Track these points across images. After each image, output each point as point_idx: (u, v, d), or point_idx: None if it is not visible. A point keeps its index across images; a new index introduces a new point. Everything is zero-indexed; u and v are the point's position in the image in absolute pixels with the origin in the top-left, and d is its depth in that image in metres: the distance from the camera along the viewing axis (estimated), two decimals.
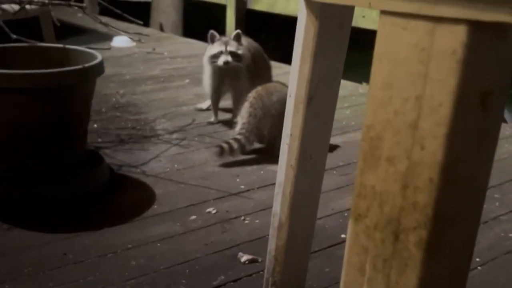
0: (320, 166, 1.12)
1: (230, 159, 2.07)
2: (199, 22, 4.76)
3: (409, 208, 0.50)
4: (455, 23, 0.50)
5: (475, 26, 0.50)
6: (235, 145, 2.05)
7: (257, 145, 2.18)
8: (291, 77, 1.05)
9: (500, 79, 0.53)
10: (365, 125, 0.51)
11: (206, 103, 2.66)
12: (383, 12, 0.56)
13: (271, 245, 1.15)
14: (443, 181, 0.49)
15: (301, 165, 1.07)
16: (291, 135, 1.06)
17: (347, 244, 0.55)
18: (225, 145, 2.04)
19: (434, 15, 0.52)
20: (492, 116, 0.53)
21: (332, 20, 0.99)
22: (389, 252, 0.51)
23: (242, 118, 2.13)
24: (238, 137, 2.08)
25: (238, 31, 2.41)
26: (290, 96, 1.06)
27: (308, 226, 1.16)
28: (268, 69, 2.61)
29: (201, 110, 2.66)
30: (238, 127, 2.13)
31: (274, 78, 2.66)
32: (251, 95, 2.17)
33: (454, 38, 0.51)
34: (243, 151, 2.10)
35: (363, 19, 3.12)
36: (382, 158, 0.51)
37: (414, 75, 0.52)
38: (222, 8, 4.18)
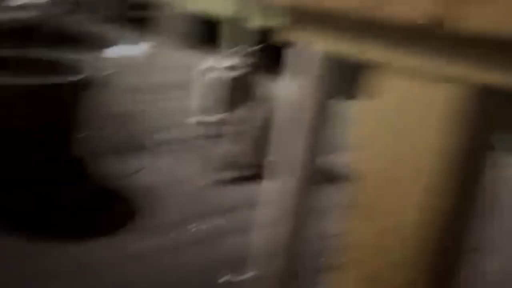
0: (309, 191, 1.10)
1: (220, 175, 2.05)
2: (200, 33, 4.76)
3: (384, 264, 0.48)
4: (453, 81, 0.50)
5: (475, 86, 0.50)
6: (231, 162, 2.04)
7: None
8: (279, 101, 1.04)
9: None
10: (352, 170, 0.50)
11: (197, 117, 2.64)
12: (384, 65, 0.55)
13: (256, 268, 1.13)
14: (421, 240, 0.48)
15: (289, 190, 1.05)
16: (277, 159, 1.05)
17: None
18: (219, 162, 2.02)
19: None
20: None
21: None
22: None
23: (243, 134, 2.12)
24: (232, 154, 2.07)
25: (239, 47, 2.41)
26: (277, 120, 1.04)
27: (294, 249, 1.14)
28: (267, 85, 2.61)
29: (192, 124, 2.64)
30: (231, 144, 2.11)
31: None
32: (240, 112, 2.16)
33: (450, 96, 0.50)
34: (236, 168, 2.08)
35: None
36: (361, 206, 0.49)
37: (411, 129, 0.50)
38: (226, 18, 4.19)
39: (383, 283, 0.50)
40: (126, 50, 3.78)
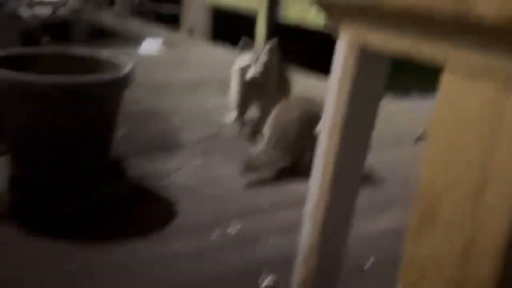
0: (354, 192, 1.06)
1: (254, 175, 2.02)
2: (229, 28, 4.74)
3: (469, 282, 0.44)
4: None
5: None
6: (259, 161, 2.00)
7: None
8: (328, 97, 1.00)
9: None
10: (422, 182, 0.46)
11: (233, 116, 2.61)
12: (448, 66, 0.51)
13: (297, 273, 1.09)
14: (508, 254, 0.44)
15: (333, 191, 1.02)
16: (324, 160, 1.01)
17: None
18: (250, 161, 1.99)
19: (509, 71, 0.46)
20: None
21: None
22: None
23: (265, 133, 2.08)
24: (262, 153, 2.03)
25: (271, 42, 2.36)
26: (325, 117, 1.01)
27: (338, 255, 1.10)
28: (290, 83, 2.57)
29: (228, 123, 2.61)
30: (262, 143, 2.08)
31: (300, 90, 2.64)
32: (275, 109, 2.13)
33: None
34: (268, 167, 2.04)
35: None
36: (439, 221, 0.45)
37: (482, 137, 0.46)
38: (253, 13, 4.15)
39: None
40: (155, 46, 3.77)
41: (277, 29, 3.85)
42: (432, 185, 0.47)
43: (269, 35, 3.76)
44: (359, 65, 0.91)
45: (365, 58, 0.92)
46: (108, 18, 4.42)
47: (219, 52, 4.02)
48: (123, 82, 1.66)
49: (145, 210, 1.75)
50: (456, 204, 0.47)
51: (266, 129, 2.09)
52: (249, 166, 1.99)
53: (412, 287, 0.46)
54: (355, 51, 0.90)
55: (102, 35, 4.04)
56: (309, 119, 2.06)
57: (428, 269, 0.45)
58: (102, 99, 1.66)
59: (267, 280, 1.41)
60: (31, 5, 2.02)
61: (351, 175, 1.05)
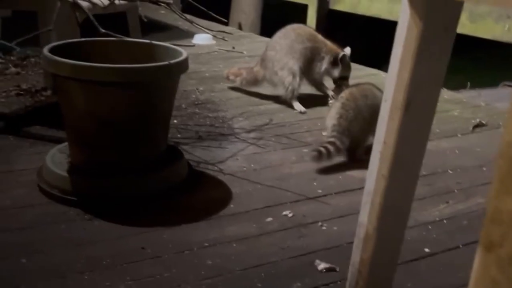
0: (414, 176, 1.05)
1: (311, 162, 2.01)
2: (277, 21, 4.74)
3: None
4: None
5: None
6: (331, 148, 2.00)
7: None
8: (388, 81, 0.99)
9: None
10: (504, 141, 0.45)
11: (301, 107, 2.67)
12: None
13: (355, 257, 1.09)
14: None
15: (393, 174, 1.01)
16: (384, 142, 1.00)
17: (473, 275, 0.49)
18: (322, 149, 1.98)
19: None
20: None
21: (438, 21, 0.92)
22: None
23: (331, 119, 2.07)
24: (332, 139, 2.02)
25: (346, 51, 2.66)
26: (385, 101, 1.00)
27: (396, 239, 1.10)
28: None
29: (301, 113, 2.64)
30: (329, 130, 2.07)
31: (350, 79, 2.65)
32: (344, 95, 2.12)
33: None
34: (339, 153, 2.04)
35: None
36: None
37: None
38: (301, 7, 4.13)
39: None
40: (206, 39, 3.81)
41: (327, 18, 3.82)
42: None
43: (320, 24, 3.74)
44: (424, 36, 0.89)
45: (430, 29, 0.90)
46: (159, 11, 4.49)
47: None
48: (180, 68, 1.69)
49: (201, 195, 1.78)
50: None
51: (332, 116, 2.08)
52: (322, 155, 1.98)
53: (492, 247, 0.45)
54: (420, 19, 0.89)
55: (156, 28, 4.12)
56: (376, 110, 2.04)
57: (510, 230, 0.44)
58: (161, 84, 1.69)
59: (323, 264, 1.41)
60: None
61: (412, 157, 1.04)
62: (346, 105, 2.07)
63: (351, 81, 2.68)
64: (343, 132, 2.03)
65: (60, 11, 1.99)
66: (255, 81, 2.78)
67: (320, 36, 2.74)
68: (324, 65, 2.68)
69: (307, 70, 2.69)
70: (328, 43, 2.72)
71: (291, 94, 2.65)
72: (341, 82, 2.68)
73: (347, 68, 2.69)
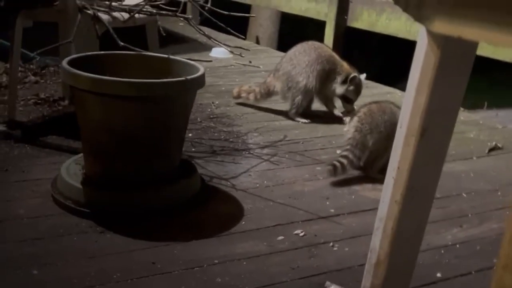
0: (427, 202, 1.04)
1: (321, 180, 2.02)
2: (295, 36, 4.75)
3: None
4: None
5: None
6: (345, 162, 2.01)
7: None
8: (404, 107, 0.99)
9: None
10: None
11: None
12: None
13: (366, 282, 1.08)
14: None
15: (406, 201, 1.00)
16: (398, 168, 1.00)
17: None
18: (337, 163, 1.99)
19: None
20: None
21: (456, 49, 0.92)
22: None
23: (347, 133, 2.09)
24: (345, 153, 2.03)
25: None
26: (400, 127, 0.99)
27: (408, 265, 1.09)
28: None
29: (304, 123, 2.71)
30: (344, 143, 2.08)
31: (365, 97, 2.65)
32: (362, 110, 2.13)
33: None
34: (353, 167, 2.05)
35: None
36: None
37: None
38: (319, 23, 4.14)
39: None
40: (223, 53, 3.83)
41: (345, 35, 3.82)
42: None
43: (337, 41, 3.74)
44: (441, 64, 0.89)
45: (448, 56, 0.90)
46: (178, 24, 4.53)
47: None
48: (197, 84, 1.70)
49: (213, 210, 1.79)
50: None
51: (349, 130, 2.09)
52: (337, 170, 1.99)
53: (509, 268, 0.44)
54: (438, 48, 0.88)
55: (174, 40, 4.15)
56: (393, 128, 2.04)
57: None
58: (177, 99, 1.70)
59: (334, 286, 1.40)
60: (110, 9, 2.10)
61: (426, 184, 1.03)
62: (362, 119, 2.08)
63: (367, 99, 2.67)
64: (356, 145, 2.04)
65: (81, 23, 2.02)
66: (268, 93, 2.80)
67: (338, 58, 2.75)
68: (334, 84, 2.70)
69: (320, 89, 2.71)
70: (345, 64, 2.72)
71: (295, 110, 2.72)
72: (345, 104, 2.71)
73: (354, 90, 2.69)
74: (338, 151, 2.28)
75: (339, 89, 2.69)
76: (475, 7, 0.69)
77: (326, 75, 2.69)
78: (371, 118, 2.08)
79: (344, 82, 2.67)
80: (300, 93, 2.67)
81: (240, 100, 2.91)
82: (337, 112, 2.78)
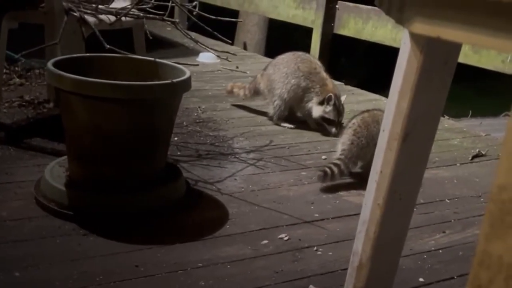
0: (410, 207, 1.05)
1: (306, 185, 2.03)
2: (282, 42, 4.77)
3: None
4: None
5: None
6: (335, 170, 2.02)
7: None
8: (387, 111, 1.00)
9: None
10: (495, 185, 0.46)
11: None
12: None
13: (349, 285, 1.09)
14: None
15: (389, 205, 1.01)
16: (381, 172, 1.01)
17: None
18: (327, 170, 2.00)
19: None
20: None
21: (438, 54, 0.93)
22: None
23: (343, 144, 2.10)
24: (338, 162, 2.04)
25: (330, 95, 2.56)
26: (383, 131, 1.00)
27: (390, 268, 1.09)
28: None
29: (289, 128, 2.72)
30: (338, 152, 2.10)
31: (351, 104, 2.66)
32: (356, 121, 2.13)
33: None
34: (342, 176, 2.06)
35: None
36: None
37: None
38: (306, 30, 4.17)
39: None
40: (210, 58, 3.84)
41: (332, 42, 3.85)
42: (506, 187, 0.46)
43: (324, 48, 3.77)
44: (423, 69, 0.90)
45: (430, 61, 0.91)
46: (165, 28, 4.53)
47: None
48: (183, 87, 1.70)
49: (197, 214, 1.78)
50: None
51: (343, 141, 2.10)
52: (327, 176, 2.00)
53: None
54: (420, 52, 0.90)
55: (162, 44, 4.15)
56: None
57: (498, 275, 0.44)
58: (163, 102, 1.70)
59: None
60: (96, 11, 2.10)
61: (408, 188, 1.04)
62: (358, 132, 2.09)
63: (354, 106, 2.69)
64: (350, 158, 2.05)
65: (67, 25, 2.01)
66: (256, 91, 2.82)
67: (322, 76, 2.64)
68: (311, 104, 2.63)
69: (296, 105, 2.71)
70: (329, 84, 2.63)
71: (277, 116, 2.73)
72: (328, 127, 2.62)
73: (333, 110, 2.57)
74: (324, 157, 2.30)
75: (316, 110, 2.60)
76: (455, 9, 0.70)
77: (302, 91, 2.63)
78: (366, 131, 2.09)
79: (321, 103, 2.58)
80: (278, 99, 2.68)
81: (232, 99, 2.96)
82: (315, 126, 2.71)
